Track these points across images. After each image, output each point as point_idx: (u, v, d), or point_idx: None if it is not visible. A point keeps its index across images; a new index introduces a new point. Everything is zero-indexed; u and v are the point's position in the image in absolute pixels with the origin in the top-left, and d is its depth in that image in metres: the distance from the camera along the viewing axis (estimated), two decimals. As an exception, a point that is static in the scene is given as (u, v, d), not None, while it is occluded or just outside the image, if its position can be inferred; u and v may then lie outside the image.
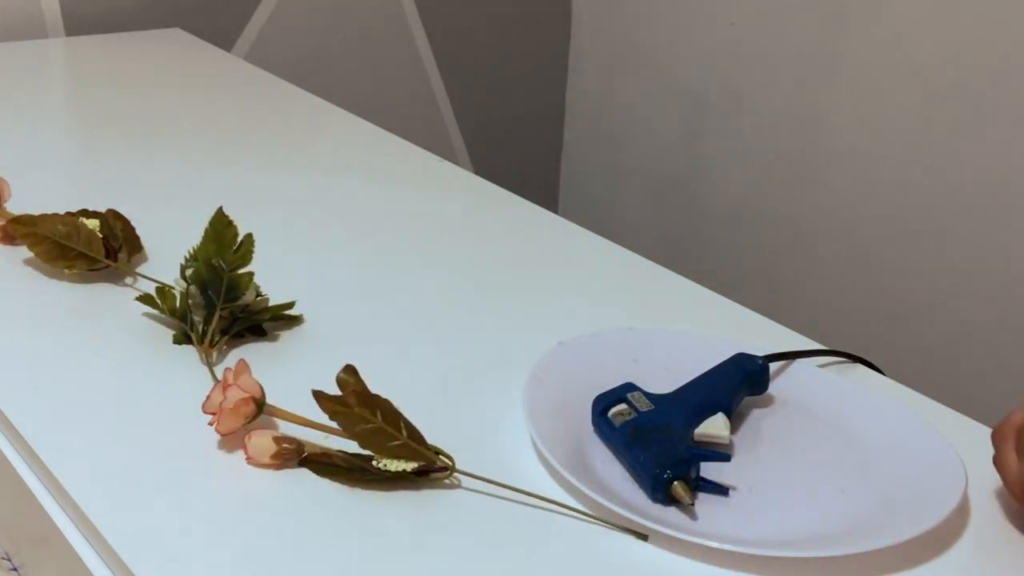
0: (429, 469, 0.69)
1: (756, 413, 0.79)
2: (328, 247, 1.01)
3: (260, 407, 0.71)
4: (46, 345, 0.83)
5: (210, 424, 0.71)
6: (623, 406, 0.74)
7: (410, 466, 0.69)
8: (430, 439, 0.70)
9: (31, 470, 0.72)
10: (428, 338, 0.87)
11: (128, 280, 0.91)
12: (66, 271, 0.89)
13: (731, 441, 0.74)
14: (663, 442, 0.70)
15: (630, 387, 0.76)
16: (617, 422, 0.73)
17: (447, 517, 0.68)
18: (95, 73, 1.44)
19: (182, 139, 1.23)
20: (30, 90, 1.35)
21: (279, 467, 0.70)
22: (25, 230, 0.88)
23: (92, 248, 0.88)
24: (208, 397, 0.71)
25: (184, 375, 0.79)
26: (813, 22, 1.65)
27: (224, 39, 1.63)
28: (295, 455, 0.70)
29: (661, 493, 0.68)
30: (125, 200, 0.96)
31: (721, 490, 0.70)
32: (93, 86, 1.40)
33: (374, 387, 0.70)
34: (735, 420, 0.77)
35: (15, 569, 0.79)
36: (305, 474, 0.70)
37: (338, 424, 0.68)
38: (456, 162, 1.62)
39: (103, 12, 1.54)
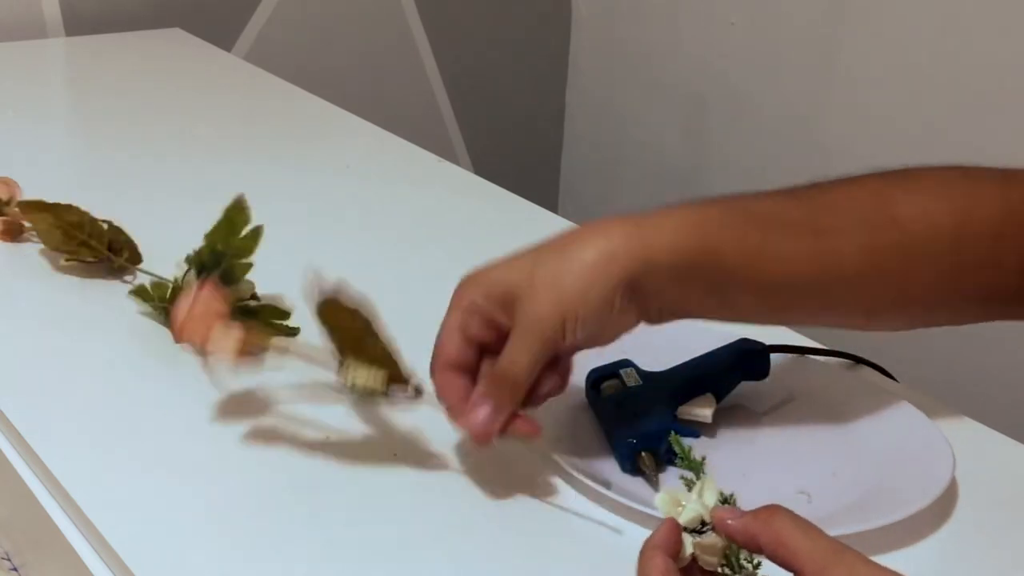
0: (397, 380, 0.67)
1: (754, 400, 0.80)
2: (328, 247, 1.01)
3: (230, 312, 0.69)
4: (46, 345, 0.83)
5: (178, 341, 0.69)
6: (614, 380, 0.76)
7: (380, 379, 0.66)
8: (433, 425, 0.70)
9: (31, 470, 0.72)
10: (428, 336, 0.87)
11: (127, 278, 0.91)
12: (63, 261, 0.88)
13: (712, 421, 0.76)
14: (638, 415, 0.72)
15: (625, 363, 0.77)
16: (605, 394, 0.75)
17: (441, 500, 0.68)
18: (95, 73, 1.44)
19: (182, 139, 1.22)
20: (30, 90, 1.35)
21: (242, 357, 0.68)
22: (35, 213, 0.87)
23: (97, 239, 0.87)
24: (174, 310, 0.69)
25: (184, 375, 0.79)
26: (813, 22, 1.65)
27: (224, 39, 1.63)
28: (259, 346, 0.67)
29: (628, 463, 0.71)
30: (124, 200, 0.96)
31: None
32: (93, 86, 1.40)
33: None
34: (731, 404, 0.78)
35: (15, 569, 0.79)
36: (306, 473, 0.70)
37: (321, 322, 0.66)
38: (456, 162, 1.62)
39: (103, 12, 1.53)
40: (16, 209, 0.92)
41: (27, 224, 0.91)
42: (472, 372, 0.68)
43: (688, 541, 0.54)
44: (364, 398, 0.69)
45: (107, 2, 1.54)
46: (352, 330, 0.67)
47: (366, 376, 0.67)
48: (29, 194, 0.96)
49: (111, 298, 0.88)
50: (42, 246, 0.91)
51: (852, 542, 0.53)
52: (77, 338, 0.84)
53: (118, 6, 1.55)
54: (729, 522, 0.54)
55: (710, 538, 0.54)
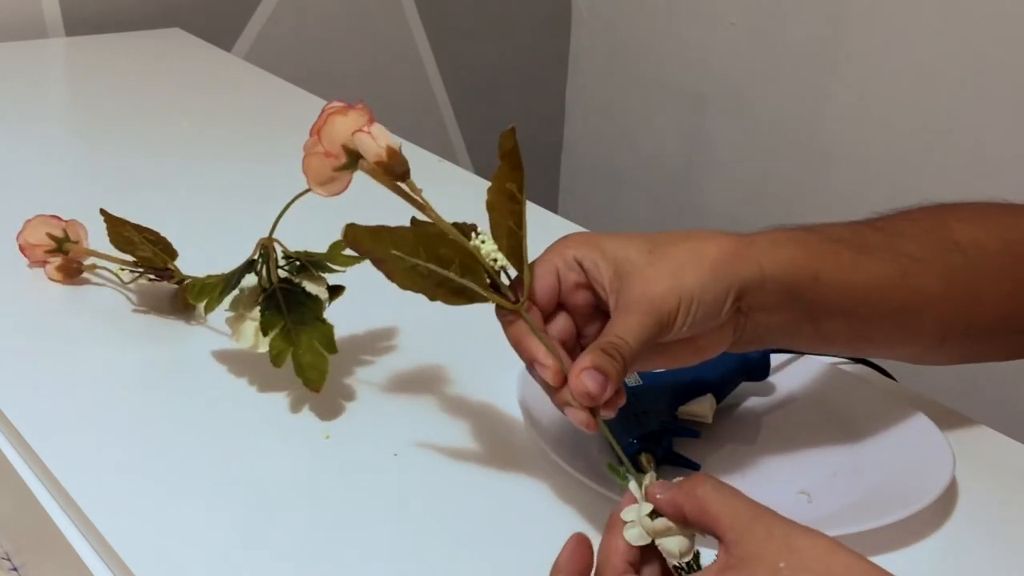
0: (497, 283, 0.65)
1: (755, 400, 0.80)
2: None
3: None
4: (45, 344, 0.83)
5: (313, 134, 0.66)
6: None
7: (502, 261, 0.64)
8: (433, 426, 0.70)
9: (31, 470, 0.72)
10: (429, 333, 0.87)
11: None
12: (119, 269, 0.87)
13: (712, 421, 0.76)
14: (639, 415, 0.72)
15: None
16: None
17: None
18: (95, 73, 1.44)
19: (182, 139, 1.22)
20: (30, 90, 1.35)
21: (338, 173, 0.66)
22: (115, 219, 0.86)
23: (165, 254, 0.86)
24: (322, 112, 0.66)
25: (186, 374, 0.79)
26: (813, 22, 1.65)
27: (224, 39, 1.63)
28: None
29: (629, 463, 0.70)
30: (124, 200, 0.96)
31: (692, 465, 0.72)
32: (93, 86, 1.40)
33: (378, 377, 0.70)
34: (731, 404, 0.78)
35: (15, 569, 0.79)
36: (307, 473, 0.70)
37: (502, 154, 0.66)
38: (456, 162, 1.62)
39: (103, 12, 1.53)
40: (80, 248, 0.90)
41: (85, 262, 0.90)
42: (547, 316, 0.66)
43: (642, 532, 0.55)
44: (463, 278, 0.65)
45: (107, 2, 1.54)
46: (507, 195, 0.64)
47: (491, 249, 0.64)
48: (29, 193, 0.96)
49: (107, 295, 0.88)
50: (97, 288, 0.90)
51: (852, 542, 0.53)
52: (76, 337, 0.84)
53: (118, 6, 1.55)
54: (658, 496, 0.55)
55: (661, 523, 0.55)
